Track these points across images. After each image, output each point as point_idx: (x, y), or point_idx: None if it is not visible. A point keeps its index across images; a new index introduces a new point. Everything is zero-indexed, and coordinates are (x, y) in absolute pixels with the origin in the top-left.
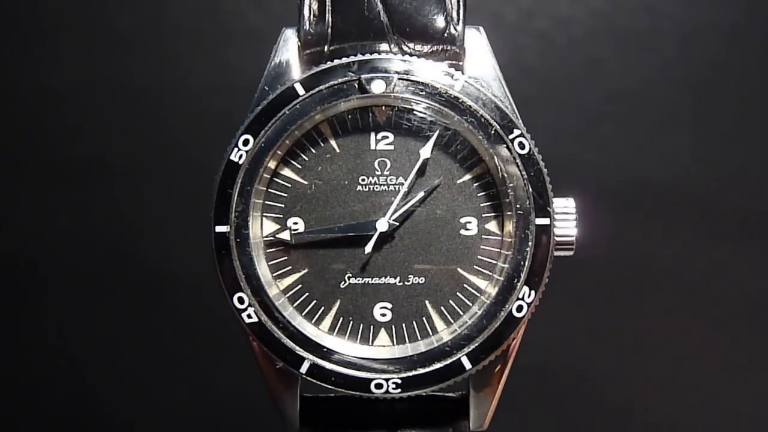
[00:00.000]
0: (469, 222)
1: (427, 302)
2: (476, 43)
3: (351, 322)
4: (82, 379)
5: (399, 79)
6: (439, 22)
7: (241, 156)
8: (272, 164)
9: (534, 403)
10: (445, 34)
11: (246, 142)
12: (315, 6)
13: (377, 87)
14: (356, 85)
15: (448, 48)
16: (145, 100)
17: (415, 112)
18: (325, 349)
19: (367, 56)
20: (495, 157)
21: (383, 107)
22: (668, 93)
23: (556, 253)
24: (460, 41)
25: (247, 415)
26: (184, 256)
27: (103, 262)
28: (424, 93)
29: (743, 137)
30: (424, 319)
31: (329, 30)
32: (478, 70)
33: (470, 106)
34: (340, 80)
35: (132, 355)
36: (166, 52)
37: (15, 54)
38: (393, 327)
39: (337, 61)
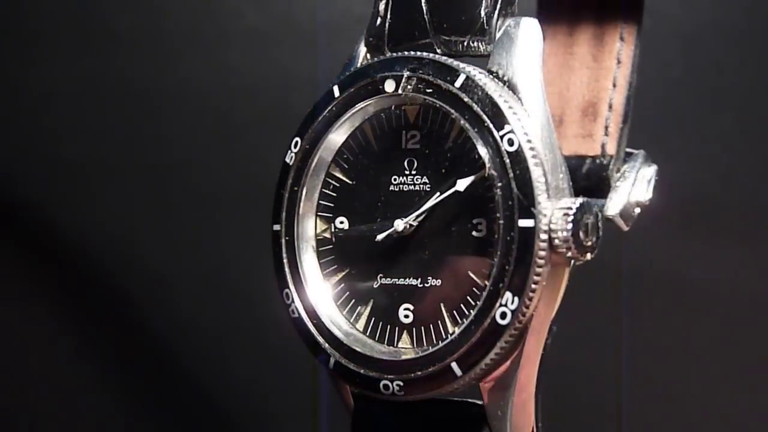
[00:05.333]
0: (480, 223)
1: (441, 305)
2: (508, 35)
3: (380, 323)
4: (82, 378)
5: (407, 77)
6: (474, 16)
7: (291, 158)
8: (325, 164)
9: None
10: (478, 28)
11: (296, 144)
12: (381, 7)
13: (389, 86)
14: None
15: (483, 42)
16: (145, 100)
17: (431, 110)
18: (346, 348)
19: (388, 55)
20: (487, 155)
21: (411, 106)
22: (668, 93)
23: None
24: (491, 34)
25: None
26: (183, 255)
27: (101, 262)
28: (430, 91)
29: (743, 137)
30: (439, 322)
31: (386, 31)
32: (503, 64)
33: (467, 102)
34: (362, 81)
35: (130, 354)
36: (165, 52)
37: (15, 54)
38: (414, 329)
39: (366, 63)
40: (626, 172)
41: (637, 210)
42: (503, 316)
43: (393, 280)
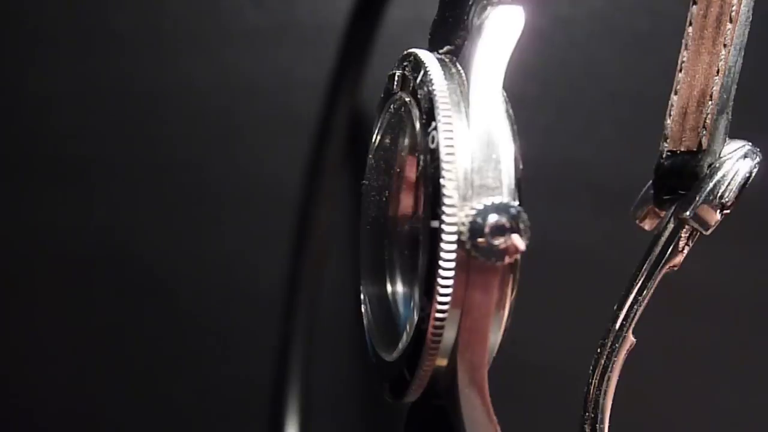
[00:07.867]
0: None
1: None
2: (479, 27)
3: (405, 325)
4: (82, 377)
5: (399, 75)
6: (464, 8)
7: (369, 155)
8: (382, 161)
9: (530, 403)
10: (462, 21)
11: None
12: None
13: (392, 84)
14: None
15: (463, 36)
16: (145, 100)
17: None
18: (373, 348)
19: (402, 53)
20: (422, 153)
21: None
22: (668, 93)
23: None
24: (467, 28)
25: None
26: (182, 255)
27: (102, 262)
28: (410, 88)
29: (743, 137)
30: None
31: (435, 29)
32: (466, 56)
33: (419, 98)
34: (389, 80)
35: (129, 354)
36: (165, 52)
37: (15, 54)
38: (416, 331)
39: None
40: (716, 169)
41: (720, 212)
42: (422, 320)
43: (411, 282)
